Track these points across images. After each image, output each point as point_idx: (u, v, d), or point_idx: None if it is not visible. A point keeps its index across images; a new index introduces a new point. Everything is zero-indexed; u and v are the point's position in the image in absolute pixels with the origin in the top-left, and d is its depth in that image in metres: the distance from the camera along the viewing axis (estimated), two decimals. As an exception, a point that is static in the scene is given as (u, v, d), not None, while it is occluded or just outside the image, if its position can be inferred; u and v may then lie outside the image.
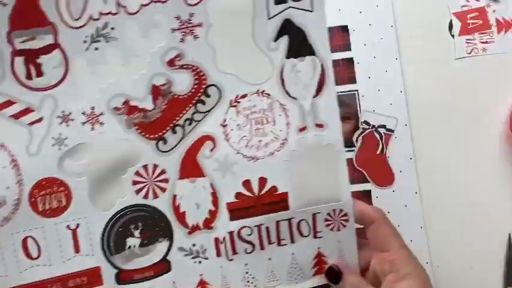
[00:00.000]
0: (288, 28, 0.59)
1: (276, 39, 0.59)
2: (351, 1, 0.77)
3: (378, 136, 0.74)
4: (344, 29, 0.76)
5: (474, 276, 0.73)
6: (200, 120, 0.59)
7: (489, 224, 0.73)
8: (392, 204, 0.73)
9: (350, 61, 0.76)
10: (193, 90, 0.58)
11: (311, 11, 0.60)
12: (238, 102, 0.59)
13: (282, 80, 0.59)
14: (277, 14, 0.59)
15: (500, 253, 0.73)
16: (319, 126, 0.60)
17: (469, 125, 0.75)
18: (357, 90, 0.75)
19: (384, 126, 0.74)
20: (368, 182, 0.73)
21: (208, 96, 0.58)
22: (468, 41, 0.77)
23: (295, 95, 0.60)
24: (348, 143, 0.74)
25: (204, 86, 0.58)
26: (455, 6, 0.77)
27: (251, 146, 0.60)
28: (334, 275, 0.59)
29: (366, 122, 0.75)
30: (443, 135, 0.75)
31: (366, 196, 0.73)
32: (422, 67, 0.76)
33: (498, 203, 0.74)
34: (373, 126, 0.75)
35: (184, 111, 0.58)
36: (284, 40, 0.59)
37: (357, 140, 0.74)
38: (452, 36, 0.77)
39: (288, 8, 0.59)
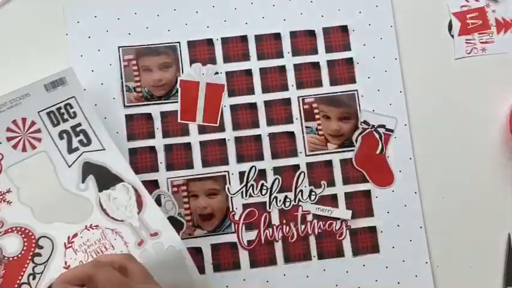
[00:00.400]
0: (90, 168, 0.68)
1: (83, 181, 0.68)
2: (351, 1, 0.77)
3: (377, 136, 0.74)
4: (344, 29, 0.76)
5: (474, 276, 0.73)
6: (43, 272, 0.64)
7: (489, 224, 0.74)
8: (391, 204, 0.73)
9: (350, 61, 0.76)
10: (24, 248, 0.65)
11: (103, 149, 0.69)
12: (72, 242, 0.65)
13: (104, 210, 0.67)
14: (74, 161, 0.68)
15: (500, 253, 0.73)
16: (154, 235, 0.67)
17: (469, 125, 0.75)
18: (357, 90, 0.75)
19: (383, 126, 0.74)
20: (368, 181, 0.74)
21: (41, 248, 0.65)
22: (468, 41, 0.76)
23: (121, 218, 0.67)
24: (348, 143, 0.74)
25: (34, 241, 0.65)
26: (454, 6, 0.77)
27: None
28: None
29: (366, 122, 0.74)
30: (443, 135, 0.75)
31: (365, 196, 0.73)
32: (422, 67, 0.76)
33: (498, 203, 0.74)
34: (373, 126, 0.74)
35: (24, 269, 0.64)
36: (91, 179, 0.68)
37: (356, 140, 0.74)
38: (452, 36, 0.77)
39: (82, 153, 0.68)
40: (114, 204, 0.67)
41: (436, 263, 0.72)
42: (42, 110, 0.68)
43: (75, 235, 0.66)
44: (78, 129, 0.68)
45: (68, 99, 0.68)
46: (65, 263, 0.65)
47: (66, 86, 0.68)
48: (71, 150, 0.68)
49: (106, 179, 0.68)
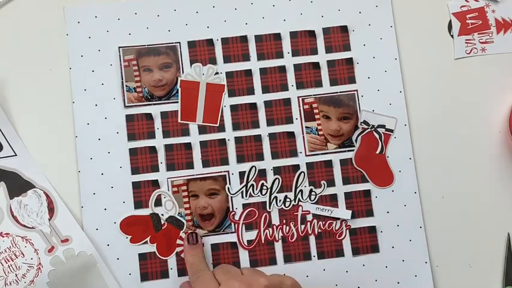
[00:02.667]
0: (2, 175, 0.68)
1: None
2: (351, 1, 0.77)
3: (377, 136, 0.74)
4: (344, 29, 0.76)
5: (474, 276, 0.73)
6: None
7: (489, 223, 0.74)
8: (391, 204, 0.73)
9: (350, 61, 0.76)
10: None
11: (15, 155, 0.69)
12: None
13: (15, 218, 0.68)
14: None
15: (499, 253, 0.73)
16: (65, 241, 0.68)
17: (469, 125, 0.75)
18: (357, 90, 0.75)
19: (383, 126, 0.74)
20: (367, 181, 0.74)
21: None
22: (467, 41, 0.77)
23: (31, 225, 0.68)
24: (348, 143, 0.74)
25: None
26: (454, 6, 0.77)
27: (9, 282, 0.66)
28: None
29: (366, 122, 0.75)
30: (443, 135, 0.75)
31: (365, 196, 0.73)
32: (422, 67, 0.76)
33: (498, 203, 0.74)
34: (373, 126, 0.75)
35: None
36: (2, 185, 0.68)
37: (356, 140, 0.74)
38: (452, 36, 0.77)
39: None
40: (25, 211, 0.68)
41: (436, 262, 0.73)
42: None
43: None
44: None
45: None
46: None
47: None
48: None
49: (18, 185, 0.68)
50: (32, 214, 0.68)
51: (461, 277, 0.73)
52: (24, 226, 0.68)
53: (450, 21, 0.77)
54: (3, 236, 0.67)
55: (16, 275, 0.67)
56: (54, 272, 0.67)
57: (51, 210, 0.69)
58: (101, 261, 0.68)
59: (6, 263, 0.67)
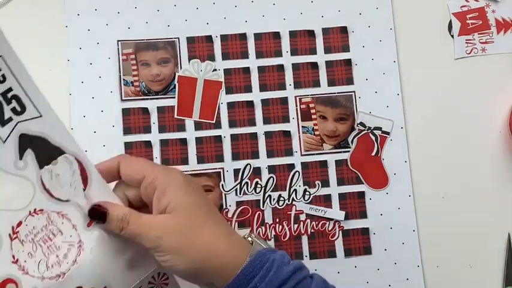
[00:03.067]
0: (27, 141, 0.57)
1: (21, 157, 0.57)
2: (351, 2, 0.76)
3: (373, 138, 0.74)
4: (343, 30, 0.76)
5: (474, 276, 0.72)
6: None
7: (489, 223, 0.73)
8: (385, 206, 0.73)
9: (348, 62, 0.75)
10: None
11: (40, 116, 0.58)
12: (17, 232, 0.57)
13: (47, 191, 0.58)
14: (9, 135, 0.56)
15: (499, 253, 0.73)
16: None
17: (469, 125, 0.75)
18: (354, 92, 0.75)
19: (379, 128, 0.74)
20: (362, 183, 0.73)
21: None
22: (468, 41, 0.76)
23: (66, 197, 0.58)
24: (343, 144, 0.74)
25: None
26: (454, 6, 0.77)
27: (51, 265, 0.57)
28: (96, 215, 0.57)
29: (362, 124, 0.74)
30: (440, 137, 0.74)
31: (359, 197, 0.73)
32: (422, 67, 0.76)
33: (498, 203, 0.74)
34: (369, 128, 0.74)
35: None
36: (29, 154, 0.57)
37: (352, 141, 0.74)
38: (452, 36, 0.76)
39: (16, 123, 0.57)
40: (57, 182, 0.58)
41: (436, 263, 0.72)
42: None
43: (19, 224, 0.57)
44: (9, 95, 0.57)
45: None
46: (13, 257, 0.56)
47: None
48: (3, 122, 0.56)
49: (46, 152, 0.58)
50: (65, 185, 0.58)
51: (461, 277, 0.72)
52: (59, 199, 0.58)
53: (450, 21, 0.77)
54: (37, 214, 0.58)
55: (57, 255, 0.58)
56: (96, 248, 0.59)
57: (84, 179, 0.59)
58: None
59: (45, 243, 0.58)
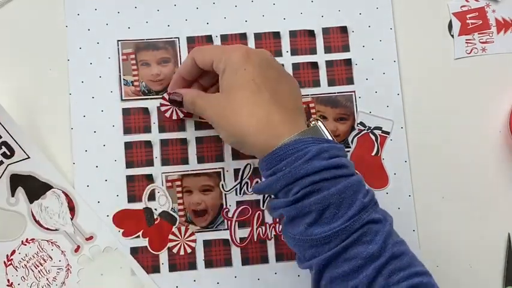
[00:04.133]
0: (18, 180, 0.67)
1: (13, 194, 0.67)
2: (351, 2, 0.77)
3: (373, 138, 0.74)
4: (343, 29, 0.76)
5: (474, 276, 0.73)
6: None
7: (489, 224, 0.73)
8: (385, 206, 0.71)
9: (348, 62, 0.75)
10: None
11: (28, 158, 0.68)
12: (11, 259, 0.67)
13: (38, 222, 0.68)
14: (1, 176, 0.67)
15: (500, 253, 0.73)
16: (89, 239, 0.69)
17: (469, 125, 0.75)
18: (354, 91, 0.75)
19: (379, 128, 0.74)
20: (362, 183, 0.73)
21: None
22: (468, 41, 0.76)
23: (55, 227, 0.68)
24: (343, 144, 0.74)
25: None
26: (454, 6, 0.77)
27: (42, 287, 0.67)
28: (176, 102, 0.69)
29: (362, 124, 0.74)
30: (440, 137, 0.75)
31: (360, 197, 0.73)
32: (422, 68, 0.76)
33: (498, 203, 0.74)
34: (369, 127, 0.74)
35: None
36: (20, 191, 0.67)
37: (352, 141, 0.74)
38: (452, 36, 0.76)
39: (7, 166, 0.67)
40: (46, 213, 0.68)
41: (436, 263, 0.72)
42: None
43: (13, 252, 0.67)
44: None
45: None
46: (8, 281, 0.66)
47: None
48: None
49: (35, 188, 0.68)
50: (53, 216, 0.68)
51: (461, 277, 0.72)
52: (48, 229, 0.68)
53: (450, 21, 0.77)
54: (29, 242, 0.67)
55: (47, 279, 0.67)
56: (83, 271, 0.68)
57: (71, 209, 0.68)
58: (128, 256, 0.69)
59: (36, 268, 0.67)
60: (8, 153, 0.67)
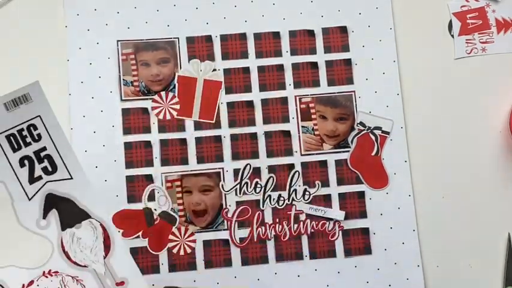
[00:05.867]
0: (53, 201, 0.58)
1: (44, 216, 0.58)
2: (351, 2, 0.76)
3: (373, 138, 0.74)
4: (343, 29, 0.76)
5: (474, 276, 0.72)
6: None
7: (489, 223, 0.73)
8: (385, 206, 0.73)
9: (348, 62, 0.75)
10: None
11: (71, 178, 0.58)
12: None
13: (66, 253, 0.58)
14: (36, 193, 0.57)
15: (499, 253, 0.73)
16: (120, 284, 0.59)
17: (469, 125, 0.75)
18: (354, 91, 0.75)
19: (379, 128, 0.74)
20: (362, 183, 0.73)
21: None
22: (468, 41, 0.76)
23: (84, 262, 0.58)
24: (343, 144, 0.74)
25: None
26: (455, 6, 0.77)
27: None
28: None
29: (362, 123, 0.74)
30: (440, 136, 0.74)
31: (359, 197, 0.73)
32: (422, 67, 0.76)
33: (498, 203, 0.74)
34: (369, 127, 0.74)
35: None
36: (54, 214, 0.58)
37: (352, 141, 0.74)
38: (452, 36, 0.76)
39: (45, 183, 0.58)
40: (77, 245, 0.58)
41: (435, 263, 0.72)
42: (1, 133, 0.57)
43: (30, 283, 0.57)
44: (42, 154, 0.58)
45: (31, 119, 0.58)
46: None
47: (30, 103, 0.58)
48: (32, 179, 0.57)
49: (71, 214, 0.58)
50: (85, 250, 0.58)
51: (461, 277, 0.72)
52: (76, 264, 0.58)
53: (450, 21, 0.77)
54: (51, 275, 0.57)
55: None
56: None
57: (107, 246, 0.59)
58: None
59: None
60: (50, 169, 0.58)
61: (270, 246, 0.72)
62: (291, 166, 0.73)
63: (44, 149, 0.58)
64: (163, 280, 0.71)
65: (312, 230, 0.72)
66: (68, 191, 0.58)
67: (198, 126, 0.74)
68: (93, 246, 0.59)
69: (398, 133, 0.74)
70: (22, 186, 0.57)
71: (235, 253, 0.72)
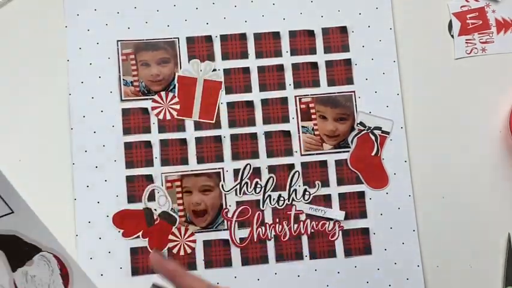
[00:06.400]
0: None
1: None
2: (351, 2, 0.76)
3: (373, 138, 0.74)
4: (343, 29, 0.76)
5: (474, 276, 0.72)
6: None
7: (489, 224, 0.73)
8: (385, 206, 0.73)
9: (348, 62, 0.75)
10: None
11: (12, 212, 0.51)
12: None
13: None
14: None
15: (499, 253, 0.73)
16: None
17: (469, 125, 0.75)
18: (354, 91, 0.75)
19: (379, 128, 0.74)
20: (362, 183, 0.73)
21: None
22: (468, 41, 0.76)
23: None
24: (343, 144, 0.74)
25: None
26: (454, 6, 0.77)
27: None
28: None
29: (362, 124, 0.74)
30: (440, 137, 0.74)
31: (359, 197, 0.73)
32: (422, 68, 0.76)
33: (498, 203, 0.74)
34: (369, 127, 0.74)
35: None
36: (1, 256, 0.52)
37: (352, 141, 0.74)
38: (452, 36, 0.76)
39: None
40: (33, 284, 0.52)
41: (435, 263, 0.72)
42: None
43: None
44: None
45: None
46: None
47: None
48: None
49: (19, 252, 0.52)
50: (43, 287, 0.54)
51: (461, 277, 0.72)
52: None
53: (450, 21, 0.77)
54: None
55: None
56: None
57: (65, 276, 0.54)
58: None
59: None
60: None
61: (270, 246, 0.72)
62: (291, 166, 0.73)
63: None
64: (164, 280, 0.71)
65: (312, 230, 0.72)
66: (11, 226, 0.51)
67: (198, 126, 0.74)
68: (50, 282, 0.54)
69: (398, 133, 0.74)
70: None
71: (235, 253, 0.72)
